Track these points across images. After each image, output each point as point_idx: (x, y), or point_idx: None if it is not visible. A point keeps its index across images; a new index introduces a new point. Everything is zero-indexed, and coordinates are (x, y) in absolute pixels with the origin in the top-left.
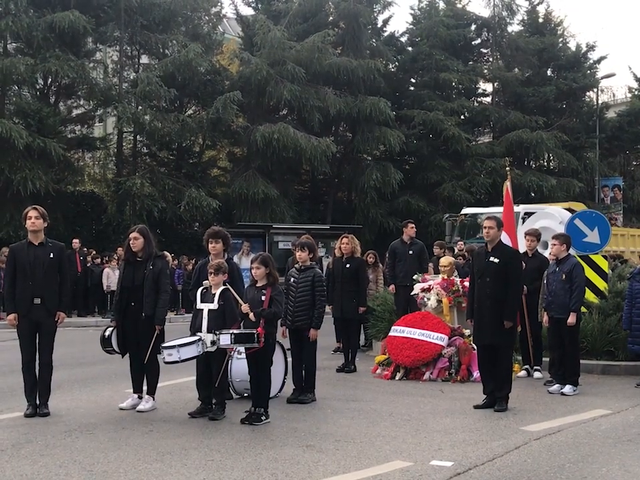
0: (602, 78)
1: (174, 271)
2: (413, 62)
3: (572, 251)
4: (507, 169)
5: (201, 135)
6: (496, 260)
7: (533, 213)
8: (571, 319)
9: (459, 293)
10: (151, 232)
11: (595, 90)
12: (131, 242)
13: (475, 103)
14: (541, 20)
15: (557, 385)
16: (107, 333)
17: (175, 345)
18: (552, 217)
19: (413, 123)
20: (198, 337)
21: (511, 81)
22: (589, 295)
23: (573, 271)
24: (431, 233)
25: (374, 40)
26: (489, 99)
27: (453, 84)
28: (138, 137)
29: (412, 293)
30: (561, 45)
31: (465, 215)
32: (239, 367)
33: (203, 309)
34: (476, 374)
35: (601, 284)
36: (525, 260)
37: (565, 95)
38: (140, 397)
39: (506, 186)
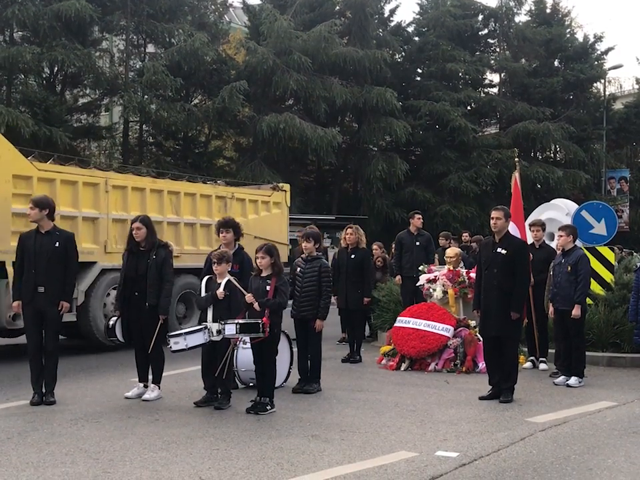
0: (609, 69)
1: None
2: (419, 52)
3: (579, 243)
4: (516, 160)
5: (206, 124)
6: (503, 251)
7: None
8: (575, 312)
9: (465, 284)
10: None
11: (602, 81)
12: (133, 232)
13: (482, 93)
14: (548, 10)
15: (563, 377)
16: (111, 323)
17: (181, 333)
18: (558, 209)
19: (419, 114)
20: (204, 325)
21: (518, 71)
22: (595, 287)
23: (578, 263)
24: (437, 224)
25: (380, 30)
26: (495, 90)
27: (460, 74)
28: (144, 126)
29: (417, 284)
30: (568, 35)
31: None
32: (244, 356)
33: None
34: (481, 365)
35: (608, 276)
36: (532, 251)
37: (572, 86)
38: (145, 386)
39: (514, 177)
